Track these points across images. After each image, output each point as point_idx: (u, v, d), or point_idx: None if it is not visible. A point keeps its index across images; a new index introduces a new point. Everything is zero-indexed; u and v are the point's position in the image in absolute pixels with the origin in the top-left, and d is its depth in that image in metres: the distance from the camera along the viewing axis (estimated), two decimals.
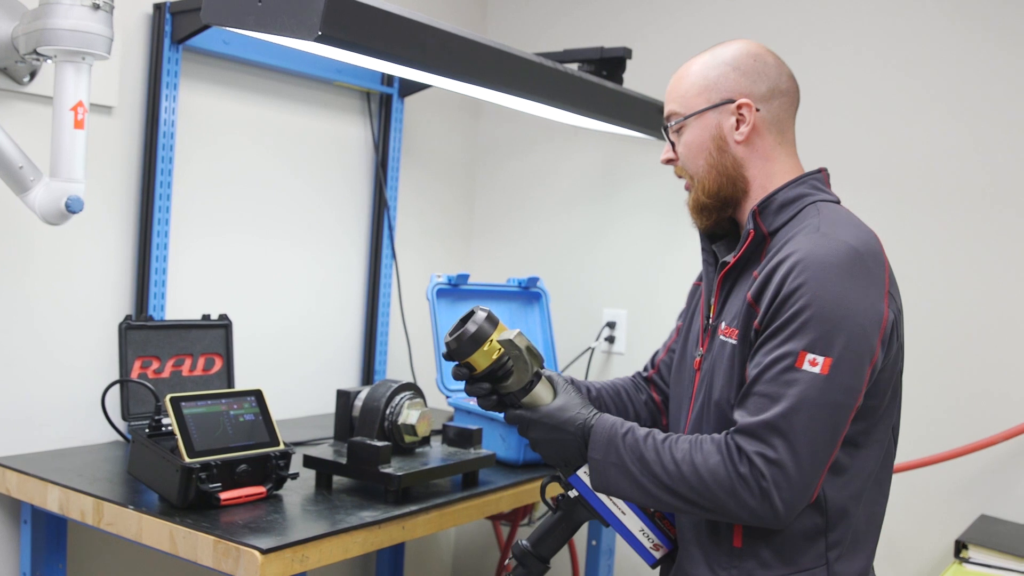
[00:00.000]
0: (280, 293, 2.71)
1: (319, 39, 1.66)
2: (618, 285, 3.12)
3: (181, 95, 2.37)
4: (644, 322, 3.06)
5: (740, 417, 1.41)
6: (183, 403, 1.83)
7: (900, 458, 2.48)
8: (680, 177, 1.65)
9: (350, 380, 2.94)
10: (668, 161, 1.64)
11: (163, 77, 2.28)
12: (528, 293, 2.78)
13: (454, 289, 2.62)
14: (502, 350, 1.50)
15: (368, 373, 2.96)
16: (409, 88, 2.90)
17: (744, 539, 1.48)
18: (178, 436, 1.79)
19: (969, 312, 2.52)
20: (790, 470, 1.35)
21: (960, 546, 2.28)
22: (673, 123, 1.61)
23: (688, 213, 1.63)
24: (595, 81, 2.44)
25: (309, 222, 2.78)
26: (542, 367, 1.56)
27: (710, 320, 1.60)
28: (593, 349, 3.11)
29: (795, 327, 1.38)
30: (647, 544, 1.58)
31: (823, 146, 2.70)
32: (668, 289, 3.00)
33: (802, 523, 1.45)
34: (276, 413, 2.65)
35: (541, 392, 1.54)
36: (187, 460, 1.77)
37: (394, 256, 2.96)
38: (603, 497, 1.55)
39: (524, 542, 1.59)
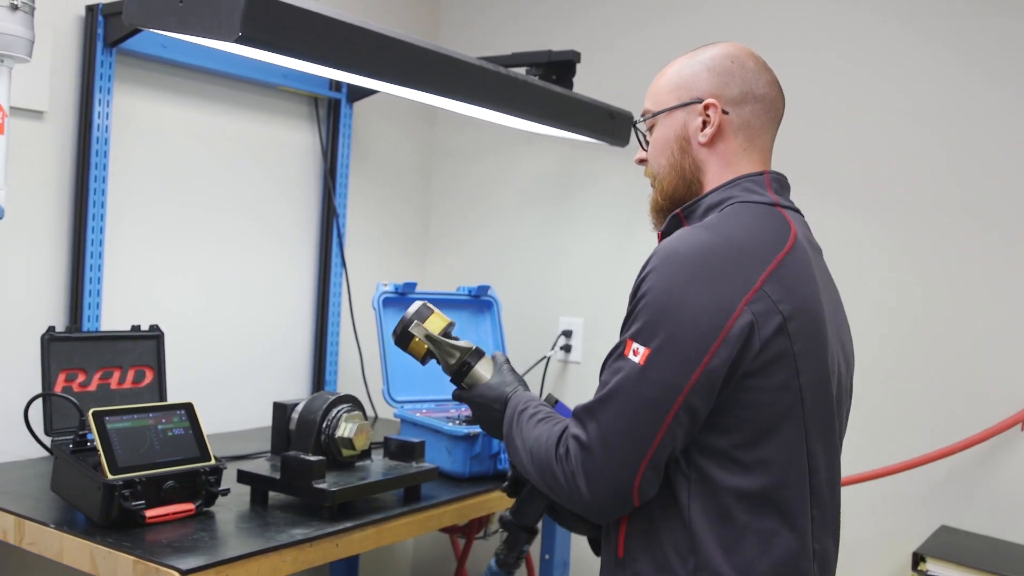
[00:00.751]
0: (225, 303, 2.65)
1: (240, 40, 1.60)
2: (574, 293, 3.07)
3: (116, 100, 2.31)
4: (601, 330, 3.01)
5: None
6: (107, 417, 1.77)
7: (860, 467, 2.48)
8: (647, 177, 1.60)
9: (301, 392, 2.87)
10: (640, 161, 1.60)
11: (96, 81, 2.22)
12: (479, 301, 2.73)
13: (401, 298, 2.56)
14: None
15: (318, 385, 2.90)
16: (358, 93, 2.85)
17: (624, 549, 1.43)
18: (100, 452, 1.73)
19: (930, 320, 2.48)
20: (596, 456, 1.33)
21: (917, 559, 2.24)
22: (642, 120, 1.57)
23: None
24: (541, 85, 2.39)
25: (255, 230, 2.72)
26: (470, 350, 1.70)
27: None
28: (549, 358, 3.06)
29: (633, 316, 1.37)
30: None
31: (801, 152, 2.67)
32: (625, 296, 2.94)
33: (672, 537, 1.38)
34: (223, 426, 2.61)
35: (480, 372, 1.68)
36: (109, 477, 1.70)
37: (344, 264, 2.90)
38: None
39: (506, 513, 1.64)
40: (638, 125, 1.60)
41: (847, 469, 2.50)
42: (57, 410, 1.90)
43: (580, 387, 3.04)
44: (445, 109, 3.19)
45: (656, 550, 1.39)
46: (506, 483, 1.66)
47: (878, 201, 2.54)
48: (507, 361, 1.73)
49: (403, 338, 1.74)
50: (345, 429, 1.95)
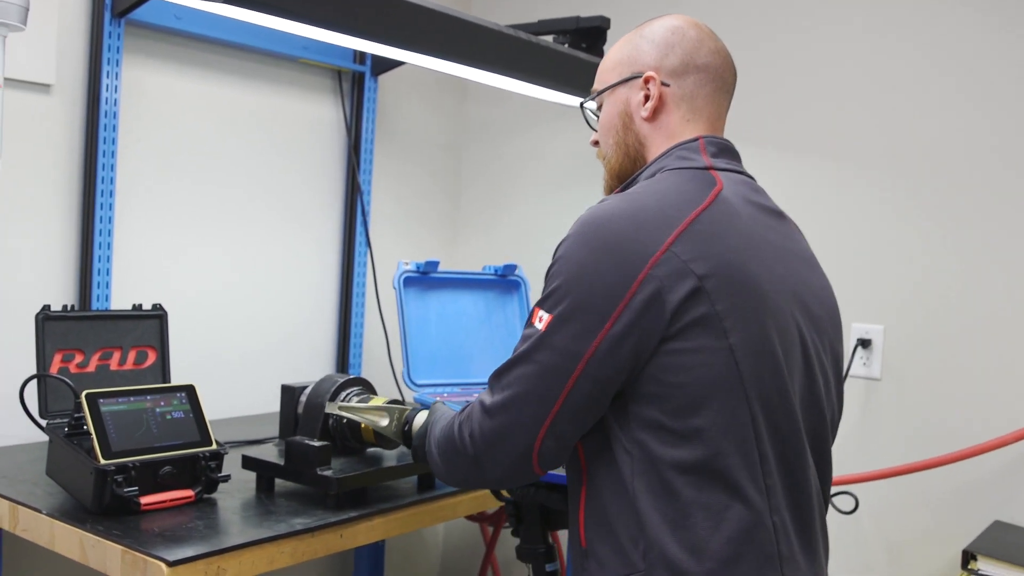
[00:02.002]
0: (244, 284, 2.57)
1: (263, 7, 1.50)
2: None
3: (126, 72, 2.23)
4: None
5: None
6: (100, 400, 1.69)
7: (909, 458, 2.33)
8: (599, 160, 1.56)
9: (325, 373, 2.79)
10: (594, 143, 1.55)
11: (104, 52, 2.15)
12: (506, 281, 2.62)
13: (424, 277, 2.46)
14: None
15: (343, 367, 2.81)
16: (383, 66, 2.75)
17: (585, 537, 1.35)
18: (93, 436, 1.65)
19: (983, 305, 2.32)
20: (496, 418, 1.31)
21: (968, 556, 2.09)
22: (588, 100, 1.55)
23: None
24: (570, 53, 2.27)
25: (275, 207, 2.64)
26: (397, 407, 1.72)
27: None
28: None
29: (544, 287, 1.34)
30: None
31: (827, 128, 2.52)
32: None
33: (623, 519, 1.29)
34: (243, 410, 2.54)
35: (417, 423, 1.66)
36: (102, 462, 1.63)
37: (368, 244, 2.81)
38: None
39: (519, 543, 1.65)
40: (586, 106, 1.56)
41: (894, 460, 2.37)
42: (52, 392, 1.83)
43: None
44: (475, 82, 3.09)
45: (611, 534, 1.30)
46: (507, 525, 1.61)
47: (910, 175, 2.39)
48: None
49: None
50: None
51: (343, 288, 2.81)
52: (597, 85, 1.52)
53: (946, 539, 2.36)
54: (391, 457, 1.94)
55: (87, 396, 1.68)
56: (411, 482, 1.98)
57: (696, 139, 1.42)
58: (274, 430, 2.32)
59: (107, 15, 2.13)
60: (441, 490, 1.96)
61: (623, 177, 1.49)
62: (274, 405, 2.59)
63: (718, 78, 1.45)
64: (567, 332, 1.27)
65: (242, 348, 2.57)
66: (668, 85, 1.43)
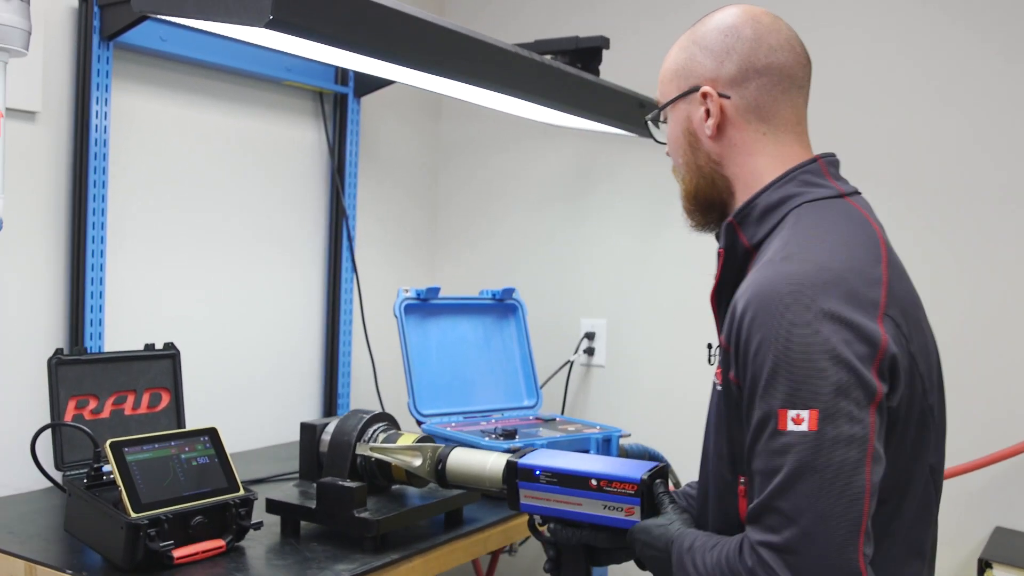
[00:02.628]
0: (229, 315, 2.47)
1: (270, 24, 1.43)
2: (596, 293, 2.92)
3: (114, 98, 2.12)
4: (625, 331, 2.86)
5: (749, 502, 1.17)
6: (125, 448, 1.59)
7: None
8: (675, 175, 1.44)
9: (311, 407, 2.70)
10: (668, 154, 1.44)
11: (92, 78, 2.03)
12: (503, 306, 2.56)
13: (423, 304, 2.40)
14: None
15: (330, 399, 2.72)
16: (365, 87, 2.67)
17: None
18: (121, 487, 1.55)
19: (986, 315, 2.35)
20: (804, 553, 1.06)
21: (983, 565, 2.11)
22: (653, 115, 1.42)
23: None
24: (573, 72, 2.23)
25: (260, 236, 2.54)
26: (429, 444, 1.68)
27: (710, 349, 1.38)
28: (572, 363, 2.90)
29: (765, 381, 1.12)
30: (620, 515, 1.42)
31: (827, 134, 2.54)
32: (649, 295, 2.81)
33: None
34: (231, 447, 2.43)
35: (462, 457, 1.63)
36: (133, 515, 1.53)
37: (355, 269, 2.73)
38: (551, 500, 1.46)
39: None
40: (651, 121, 1.44)
41: None
42: (68, 441, 1.72)
43: (604, 393, 2.88)
44: (449, 103, 3.04)
45: None
46: (547, 564, 1.53)
47: (918, 187, 2.42)
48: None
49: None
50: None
51: (329, 315, 2.72)
52: (660, 97, 1.41)
53: (950, 547, 2.38)
54: (415, 495, 1.87)
55: (111, 445, 1.57)
56: (433, 519, 1.91)
57: (815, 160, 1.31)
58: (270, 467, 2.24)
59: (96, 38, 2.02)
60: (471, 525, 1.90)
61: (702, 199, 1.36)
62: (263, 440, 2.52)
63: (785, 77, 1.30)
64: (843, 418, 1.08)
65: (226, 382, 2.45)
66: (728, 97, 1.30)
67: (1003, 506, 2.34)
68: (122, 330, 2.15)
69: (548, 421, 2.38)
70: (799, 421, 1.08)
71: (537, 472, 1.49)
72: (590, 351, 2.90)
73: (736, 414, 1.20)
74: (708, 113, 1.31)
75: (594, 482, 1.45)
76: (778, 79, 1.30)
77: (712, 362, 1.32)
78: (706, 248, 1.86)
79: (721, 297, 1.33)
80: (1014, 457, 2.30)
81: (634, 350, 2.84)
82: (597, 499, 1.45)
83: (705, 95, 1.31)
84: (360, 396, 2.78)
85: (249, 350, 2.52)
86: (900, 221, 2.41)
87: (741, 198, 1.32)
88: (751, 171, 1.31)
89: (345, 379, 2.73)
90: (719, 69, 1.31)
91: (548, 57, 2.37)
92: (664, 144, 1.43)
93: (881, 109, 2.46)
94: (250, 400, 2.52)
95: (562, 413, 2.83)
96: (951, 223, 2.38)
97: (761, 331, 1.12)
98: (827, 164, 1.32)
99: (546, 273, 2.98)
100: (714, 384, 1.28)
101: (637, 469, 1.45)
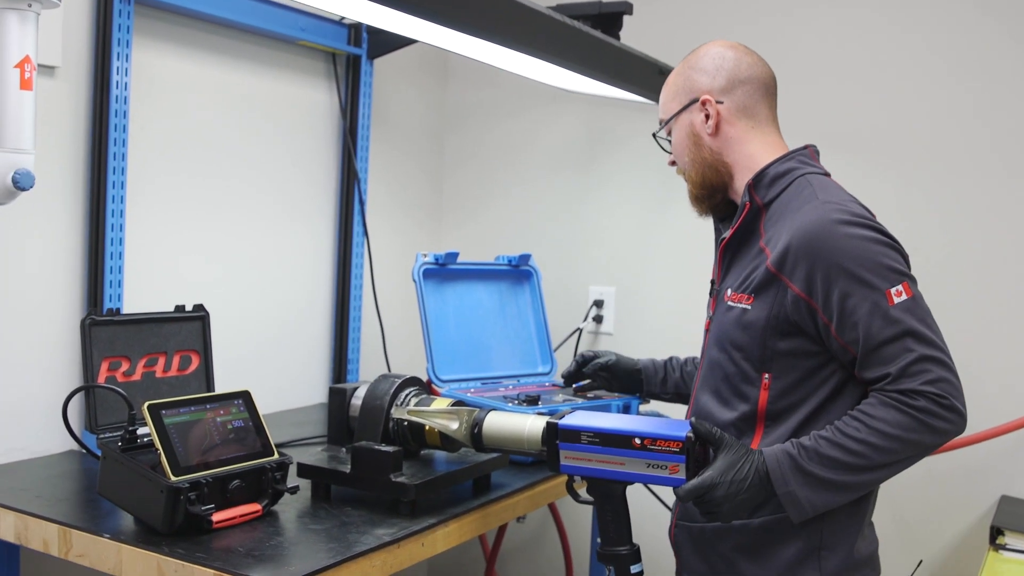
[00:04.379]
0: (242, 278, 2.44)
1: None
2: (605, 261, 2.91)
3: (135, 55, 2.07)
4: (633, 300, 2.86)
5: (879, 371, 1.46)
6: (163, 411, 1.57)
7: None
8: (680, 175, 1.78)
9: (320, 370, 2.68)
10: (672, 163, 1.79)
11: (114, 33, 1.98)
12: (518, 272, 2.55)
13: (441, 269, 2.38)
14: None
15: (340, 364, 2.70)
16: (379, 48, 2.63)
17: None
18: (160, 451, 1.53)
19: (979, 292, 2.38)
20: (950, 378, 1.44)
21: (995, 532, 2.14)
22: (660, 130, 1.79)
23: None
24: (598, 36, 2.21)
25: (272, 198, 2.50)
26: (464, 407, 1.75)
27: (714, 286, 1.72)
28: (581, 330, 2.90)
29: (862, 279, 1.46)
30: (664, 473, 1.48)
31: (822, 112, 2.54)
32: (657, 264, 2.81)
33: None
34: None
35: (498, 419, 1.69)
36: (173, 479, 1.51)
37: (366, 233, 2.70)
38: (593, 460, 1.51)
39: (599, 545, 1.57)
40: (659, 136, 1.80)
41: None
42: (101, 404, 1.69)
43: None
44: (460, 67, 3.01)
45: None
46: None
47: (911, 160, 2.43)
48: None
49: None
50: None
51: (339, 280, 2.69)
52: (663, 115, 1.76)
53: (959, 514, 2.42)
54: (442, 460, 1.86)
55: (150, 408, 1.55)
56: (460, 486, 1.91)
57: (805, 148, 1.67)
58: (289, 431, 2.23)
59: None
60: (500, 491, 1.89)
61: (709, 183, 1.70)
62: (275, 405, 2.49)
63: (762, 86, 1.68)
64: (914, 285, 1.49)
65: (239, 345, 2.42)
66: (722, 102, 1.66)
67: (1007, 476, 2.38)
68: (139, 295, 2.11)
69: (565, 387, 2.38)
70: (899, 294, 1.46)
71: (579, 432, 1.50)
72: (599, 319, 2.89)
73: (772, 323, 1.53)
74: (707, 116, 1.67)
75: (638, 441, 1.47)
76: (757, 87, 1.68)
77: (720, 293, 1.66)
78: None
79: (730, 247, 1.67)
80: (1018, 430, 2.33)
81: (642, 318, 2.84)
82: (641, 458, 1.47)
83: (704, 102, 1.67)
84: (369, 359, 2.76)
85: (262, 314, 2.50)
86: (897, 188, 2.43)
87: (741, 178, 1.67)
88: (747, 156, 1.67)
89: (355, 344, 2.71)
90: (712, 83, 1.68)
91: (571, 20, 2.34)
92: (669, 153, 1.79)
93: (872, 84, 2.46)
94: (262, 364, 2.50)
95: None
96: (939, 196, 2.40)
97: (837, 245, 1.47)
98: (814, 151, 1.70)
99: (555, 241, 2.97)
100: (730, 307, 1.60)
101: (680, 428, 1.47)
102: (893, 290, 1.46)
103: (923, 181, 2.44)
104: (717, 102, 1.66)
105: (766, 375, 1.56)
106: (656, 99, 2.50)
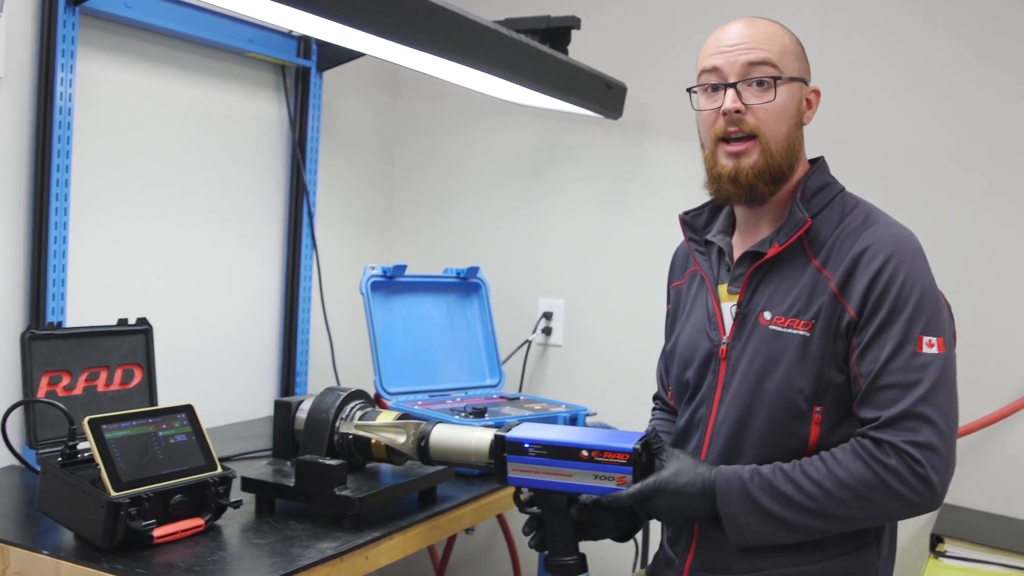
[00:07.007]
0: (188, 291, 2.42)
1: None
2: (554, 273, 2.93)
3: (79, 65, 2.05)
4: (582, 311, 2.88)
5: (870, 413, 1.39)
6: (104, 425, 1.56)
7: None
8: (734, 134, 1.49)
9: (268, 383, 2.66)
10: (737, 111, 1.48)
11: (58, 43, 1.97)
12: (467, 284, 2.56)
13: (389, 281, 2.38)
14: None
15: (288, 377, 2.69)
16: (328, 61, 2.63)
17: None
18: (101, 465, 1.52)
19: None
20: (940, 449, 1.35)
21: (935, 539, 2.19)
22: (783, 77, 1.48)
23: (723, 181, 1.51)
24: (544, 51, 2.23)
25: (220, 210, 2.49)
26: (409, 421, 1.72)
27: (741, 307, 1.53)
28: (530, 342, 2.91)
29: (908, 314, 1.38)
30: (612, 484, 1.47)
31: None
32: (606, 276, 2.83)
33: None
34: None
35: (444, 432, 1.70)
36: (113, 494, 1.50)
37: (315, 245, 2.69)
38: (540, 472, 1.49)
39: (546, 555, 1.57)
40: (744, 82, 1.48)
41: None
42: (41, 419, 1.67)
43: (561, 372, 2.90)
44: (410, 80, 3.02)
45: None
46: (532, 540, 1.58)
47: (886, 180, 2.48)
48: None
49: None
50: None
51: (288, 293, 2.68)
52: (781, 65, 1.48)
53: (901, 523, 2.44)
54: (389, 473, 1.86)
55: (90, 422, 1.54)
56: (405, 498, 1.91)
57: (820, 157, 1.57)
58: (235, 445, 2.22)
59: (61, 3, 1.95)
60: (445, 504, 1.90)
61: (777, 172, 1.49)
62: (221, 418, 2.48)
63: None
64: (952, 347, 1.42)
65: (184, 358, 2.40)
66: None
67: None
68: (82, 305, 2.09)
69: (512, 400, 2.40)
70: (931, 345, 1.38)
71: (526, 445, 1.51)
72: (548, 331, 2.91)
73: (830, 353, 1.42)
74: (809, 104, 1.54)
75: (585, 453, 1.47)
76: None
77: (749, 316, 1.51)
78: (663, 230, 1.90)
79: (766, 264, 1.50)
80: (960, 438, 2.38)
81: (591, 330, 2.86)
82: (588, 470, 1.47)
83: (816, 92, 1.55)
84: (318, 373, 2.75)
85: (207, 327, 2.48)
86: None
87: (791, 182, 1.53)
88: (801, 160, 1.55)
89: (304, 357, 2.70)
90: (807, 75, 1.55)
91: (519, 35, 2.36)
92: (745, 106, 1.48)
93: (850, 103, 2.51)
94: (208, 378, 2.48)
95: (520, 392, 2.84)
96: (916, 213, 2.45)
97: (904, 273, 1.40)
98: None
99: (504, 253, 2.99)
100: (778, 333, 1.46)
101: (627, 439, 1.48)
102: (927, 339, 1.38)
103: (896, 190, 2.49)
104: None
105: (818, 408, 1.45)
106: (604, 113, 2.54)
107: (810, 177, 1.52)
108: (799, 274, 1.47)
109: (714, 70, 1.51)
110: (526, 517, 1.58)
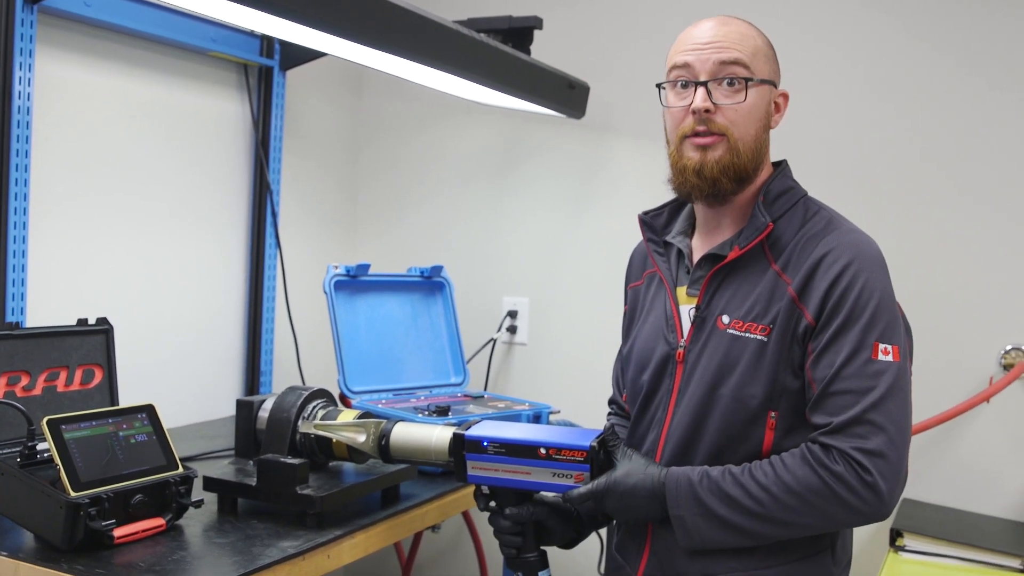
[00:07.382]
0: (151, 291, 2.41)
1: None
2: (518, 272, 2.94)
3: (37, 65, 2.04)
4: (547, 310, 2.90)
5: (821, 418, 1.38)
6: (63, 426, 1.55)
7: None
8: (703, 133, 1.47)
9: (233, 383, 2.66)
10: (706, 111, 1.46)
11: (16, 42, 1.95)
12: (431, 283, 2.57)
13: (353, 280, 2.39)
14: None
15: (253, 376, 2.68)
16: (292, 60, 2.63)
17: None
18: (60, 466, 1.51)
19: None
20: (890, 457, 1.33)
21: (895, 534, 2.22)
22: (754, 79, 1.47)
23: (688, 173, 1.48)
24: (506, 51, 2.24)
25: (182, 209, 2.48)
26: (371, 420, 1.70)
27: (700, 310, 1.51)
28: (495, 340, 2.92)
29: (864, 321, 1.37)
30: (569, 482, 1.48)
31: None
32: (570, 274, 2.85)
33: None
34: None
35: (407, 431, 1.66)
36: (72, 494, 1.49)
37: (278, 245, 2.69)
38: (499, 470, 1.50)
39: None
40: (715, 81, 1.46)
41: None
42: (0, 419, 1.66)
43: (527, 371, 2.92)
44: (373, 79, 3.02)
45: None
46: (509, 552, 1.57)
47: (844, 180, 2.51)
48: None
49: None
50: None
51: (252, 292, 2.68)
52: (753, 67, 1.47)
53: None
54: (352, 471, 1.87)
55: (49, 423, 1.53)
56: (371, 496, 1.92)
57: (783, 161, 1.57)
58: (197, 445, 2.22)
59: (19, 2, 1.94)
60: (408, 502, 1.91)
61: (744, 168, 1.47)
62: (185, 418, 2.47)
63: None
64: (907, 356, 1.41)
65: (148, 358, 2.40)
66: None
67: (909, 479, 2.45)
68: (43, 305, 2.08)
69: (476, 398, 2.41)
70: (887, 353, 1.36)
71: (485, 443, 1.52)
72: (512, 329, 2.93)
73: (786, 358, 1.41)
74: (777, 108, 1.54)
75: (543, 451, 1.48)
76: None
77: (707, 320, 1.49)
78: (626, 228, 1.91)
79: (725, 267, 1.49)
80: (917, 434, 2.41)
81: (556, 328, 2.88)
82: (546, 467, 1.48)
83: (785, 96, 1.55)
84: (282, 372, 2.75)
85: (171, 327, 2.47)
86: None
87: (754, 185, 1.52)
88: (765, 164, 1.54)
89: (268, 356, 2.70)
90: (778, 78, 1.55)
91: (481, 35, 2.38)
92: (715, 105, 1.46)
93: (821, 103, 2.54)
94: (172, 377, 2.48)
95: (485, 390, 2.85)
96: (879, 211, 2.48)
97: (863, 279, 1.39)
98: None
99: (468, 252, 3.00)
100: (736, 336, 1.45)
101: (584, 437, 1.49)
102: (882, 347, 1.36)
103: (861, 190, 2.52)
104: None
105: (772, 413, 1.43)
106: (567, 113, 2.56)
107: (773, 181, 1.51)
108: (759, 278, 1.46)
109: (685, 66, 1.48)
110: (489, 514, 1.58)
